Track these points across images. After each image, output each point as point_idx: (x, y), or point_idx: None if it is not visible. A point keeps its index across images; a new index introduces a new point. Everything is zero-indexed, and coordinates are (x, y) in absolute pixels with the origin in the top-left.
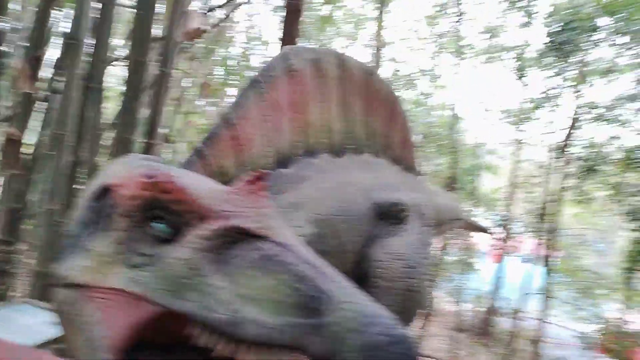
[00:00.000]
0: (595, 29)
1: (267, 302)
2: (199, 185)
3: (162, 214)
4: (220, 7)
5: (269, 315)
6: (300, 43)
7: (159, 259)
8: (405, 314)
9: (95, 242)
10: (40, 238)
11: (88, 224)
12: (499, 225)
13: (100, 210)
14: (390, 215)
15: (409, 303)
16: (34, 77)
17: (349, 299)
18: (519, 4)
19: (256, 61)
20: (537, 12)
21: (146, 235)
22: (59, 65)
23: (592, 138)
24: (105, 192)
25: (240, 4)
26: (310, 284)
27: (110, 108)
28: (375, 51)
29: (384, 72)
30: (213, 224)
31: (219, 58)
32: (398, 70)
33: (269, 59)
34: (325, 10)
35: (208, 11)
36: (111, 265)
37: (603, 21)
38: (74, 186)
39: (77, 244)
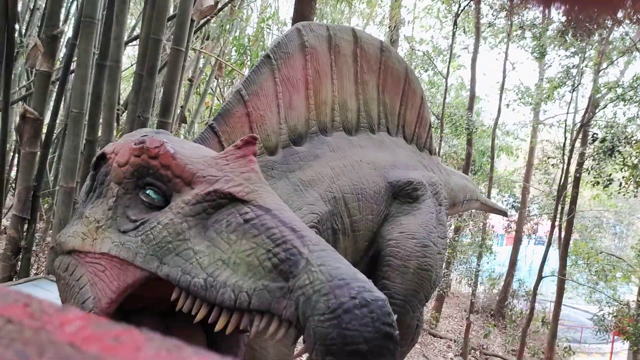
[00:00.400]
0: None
1: (244, 266)
2: (190, 152)
3: (153, 181)
4: None
5: (245, 280)
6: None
7: (147, 225)
8: (419, 292)
9: (90, 209)
10: (57, 215)
11: (88, 192)
12: (515, 208)
13: (97, 178)
14: (404, 194)
15: (423, 282)
16: (51, 56)
17: (323, 262)
18: None
19: (270, 41)
20: None
21: (138, 202)
22: (75, 44)
23: (612, 118)
24: (102, 160)
25: None
26: (287, 248)
27: (126, 87)
28: (390, 30)
29: (400, 51)
30: (198, 188)
31: (234, 37)
32: (414, 50)
33: (282, 36)
34: None
35: None
36: (103, 230)
37: None
38: (90, 165)
39: (78, 212)
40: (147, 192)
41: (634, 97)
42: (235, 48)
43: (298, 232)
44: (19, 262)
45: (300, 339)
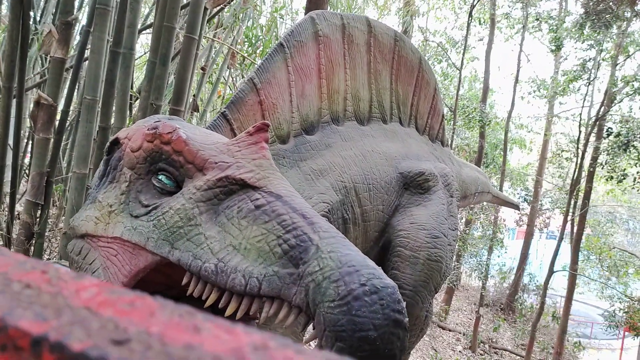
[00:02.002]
0: None
1: (255, 252)
2: (202, 138)
3: (165, 166)
4: None
5: (256, 265)
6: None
7: (159, 210)
8: (429, 283)
9: (103, 194)
10: (69, 201)
11: (101, 177)
12: (528, 201)
13: (110, 163)
14: (415, 185)
15: (433, 273)
16: (65, 42)
17: (333, 249)
18: None
19: (282, 31)
20: None
21: (150, 187)
22: (89, 31)
23: (628, 113)
24: (115, 145)
25: None
26: (298, 234)
27: (138, 76)
28: (404, 20)
29: (413, 42)
30: (210, 174)
31: (247, 27)
32: (427, 41)
33: (296, 24)
34: None
35: None
36: (115, 215)
37: None
38: (103, 151)
39: (91, 197)
40: (160, 177)
41: None
42: (247, 38)
43: (308, 218)
44: (32, 247)
45: (310, 326)
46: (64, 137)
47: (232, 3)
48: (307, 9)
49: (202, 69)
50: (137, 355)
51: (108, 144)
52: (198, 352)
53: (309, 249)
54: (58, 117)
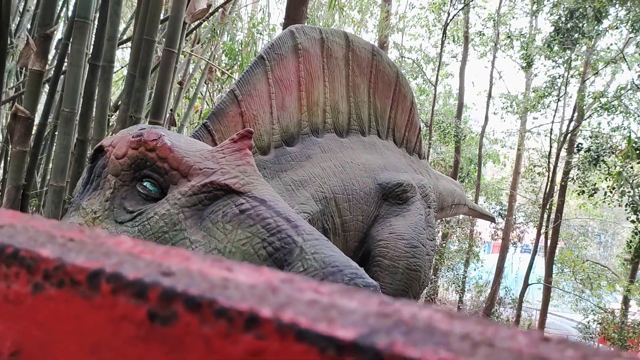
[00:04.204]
0: (601, 17)
1: (240, 255)
2: (186, 146)
3: (150, 173)
4: None
5: None
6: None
7: (144, 216)
8: (408, 292)
9: (87, 201)
10: (47, 214)
11: (85, 185)
12: (502, 215)
13: (94, 170)
14: (394, 196)
15: (412, 282)
16: (43, 55)
17: (316, 251)
18: None
19: (260, 46)
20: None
21: (135, 193)
22: (67, 44)
23: (597, 128)
24: (99, 153)
25: None
26: (282, 237)
27: (117, 88)
28: (380, 37)
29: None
30: (194, 180)
31: (224, 42)
32: (403, 57)
33: (276, 37)
34: None
35: None
36: (100, 221)
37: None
38: (80, 164)
39: (75, 204)
40: (144, 183)
41: (618, 106)
42: (225, 52)
43: (292, 222)
44: None
45: None
46: (40, 149)
47: (210, 18)
48: (285, 25)
49: (180, 83)
50: (184, 283)
51: (92, 151)
52: (235, 282)
53: (293, 250)
54: (34, 130)
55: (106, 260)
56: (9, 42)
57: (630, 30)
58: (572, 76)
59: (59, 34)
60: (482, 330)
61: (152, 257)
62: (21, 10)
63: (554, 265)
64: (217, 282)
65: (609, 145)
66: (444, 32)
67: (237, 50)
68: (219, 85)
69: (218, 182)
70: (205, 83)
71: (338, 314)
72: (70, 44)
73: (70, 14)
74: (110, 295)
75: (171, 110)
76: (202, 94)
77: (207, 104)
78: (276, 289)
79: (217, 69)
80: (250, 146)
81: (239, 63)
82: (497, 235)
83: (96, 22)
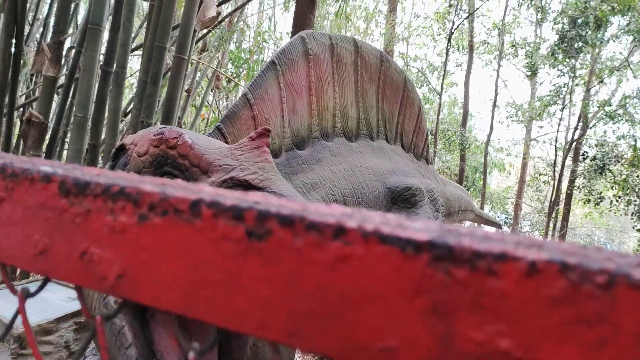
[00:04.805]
0: (601, 25)
1: None
2: (206, 144)
3: (171, 170)
4: None
5: None
6: None
7: None
8: None
9: None
10: None
11: None
12: (508, 224)
13: (115, 169)
14: (402, 199)
15: None
16: (57, 61)
17: None
18: (532, 1)
19: (267, 55)
20: (549, 9)
21: None
22: (80, 51)
23: (603, 137)
24: (121, 151)
25: None
26: None
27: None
28: (386, 46)
29: None
30: (214, 176)
31: (230, 51)
32: (408, 66)
33: (287, 43)
34: (337, 5)
35: (221, 3)
36: None
37: (614, 19)
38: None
39: None
40: None
41: (623, 115)
42: (231, 61)
43: None
44: None
45: None
46: (53, 154)
47: (218, 26)
48: (293, 33)
49: (187, 91)
50: (276, 207)
51: (114, 149)
52: (315, 209)
53: None
54: (48, 135)
55: (202, 194)
56: (24, 49)
57: (632, 40)
58: (577, 85)
59: (67, 41)
60: (531, 239)
61: (238, 195)
62: (31, 19)
63: None
64: (301, 209)
65: (614, 153)
66: (449, 41)
67: (243, 58)
68: (225, 94)
69: (238, 178)
70: (211, 91)
71: (410, 227)
72: (83, 51)
73: (80, 21)
74: (211, 219)
75: (178, 118)
76: (208, 102)
77: (214, 112)
78: (351, 214)
79: (224, 77)
80: (268, 144)
81: (245, 72)
82: None
83: (107, 29)
